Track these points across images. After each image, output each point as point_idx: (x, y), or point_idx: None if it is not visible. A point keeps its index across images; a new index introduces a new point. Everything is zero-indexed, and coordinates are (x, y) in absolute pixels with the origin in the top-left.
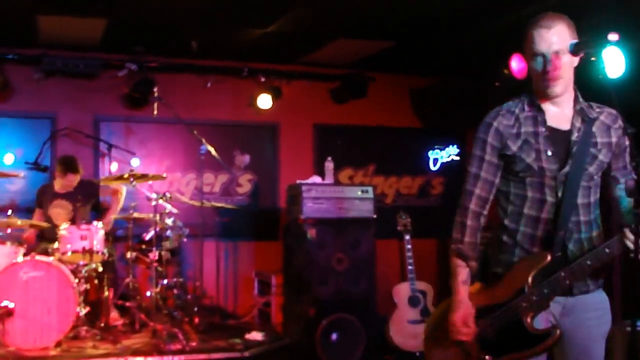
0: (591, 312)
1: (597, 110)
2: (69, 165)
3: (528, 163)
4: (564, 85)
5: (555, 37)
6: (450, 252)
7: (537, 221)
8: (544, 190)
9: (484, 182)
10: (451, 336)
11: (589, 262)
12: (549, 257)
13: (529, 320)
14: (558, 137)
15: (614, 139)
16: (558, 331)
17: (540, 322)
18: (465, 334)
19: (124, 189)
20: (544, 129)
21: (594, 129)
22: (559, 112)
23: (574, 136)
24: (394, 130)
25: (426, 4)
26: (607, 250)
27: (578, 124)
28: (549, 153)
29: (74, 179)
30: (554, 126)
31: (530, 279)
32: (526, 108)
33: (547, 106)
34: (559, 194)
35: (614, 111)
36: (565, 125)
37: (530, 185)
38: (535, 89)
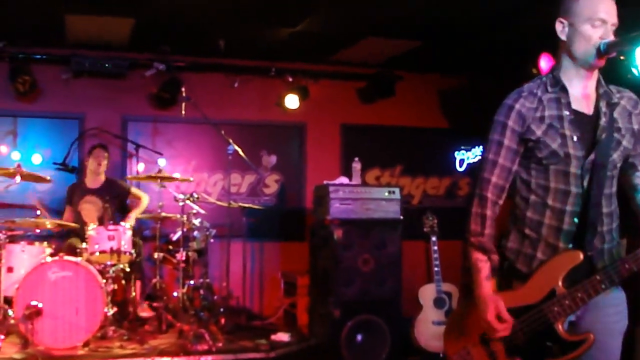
0: (610, 309)
1: (618, 94)
2: (95, 145)
3: (553, 149)
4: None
5: (615, 9)
6: (469, 245)
7: (562, 213)
8: (569, 180)
9: (501, 169)
10: (488, 335)
11: (627, 266)
12: (581, 256)
13: (561, 327)
14: (583, 122)
15: (635, 126)
16: (592, 337)
17: (566, 323)
18: (504, 329)
19: (146, 198)
20: (568, 113)
21: (615, 114)
22: (583, 94)
23: (602, 121)
24: (422, 131)
25: (454, 4)
26: None
27: (604, 108)
28: (575, 138)
29: (101, 155)
30: (578, 110)
31: (561, 281)
32: (549, 89)
33: (571, 86)
34: (585, 184)
35: (634, 96)
36: (589, 109)
37: (554, 174)
38: (578, 57)
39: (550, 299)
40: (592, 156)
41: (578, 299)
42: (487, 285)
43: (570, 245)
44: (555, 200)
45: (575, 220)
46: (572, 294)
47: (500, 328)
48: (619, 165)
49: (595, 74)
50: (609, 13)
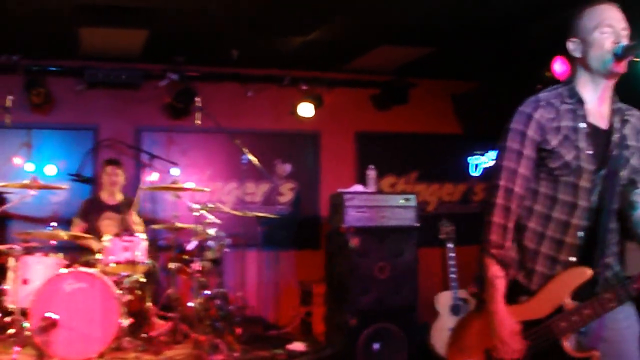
0: (619, 314)
1: (628, 112)
2: (108, 160)
3: (567, 161)
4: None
5: (620, 15)
6: (487, 256)
7: (566, 226)
8: (578, 193)
9: (523, 179)
10: (499, 355)
11: (636, 286)
12: (589, 273)
13: (567, 344)
14: (598, 136)
15: None
16: (597, 354)
17: (572, 339)
18: (517, 351)
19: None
20: (584, 125)
21: (626, 131)
22: (597, 108)
23: (615, 137)
24: (436, 137)
25: (467, 9)
26: None
27: (618, 124)
28: (589, 152)
29: (113, 172)
30: (593, 123)
31: (569, 297)
32: (566, 100)
33: (587, 98)
34: (593, 199)
35: None
36: (603, 123)
37: (564, 186)
38: (595, 66)
39: (557, 315)
40: (604, 171)
41: (586, 316)
42: (502, 304)
43: (572, 259)
44: (562, 213)
45: (580, 234)
46: (579, 311)
47: (513, 349)
48: (623, 182)
49: (611, 86)
50: (614, 19)
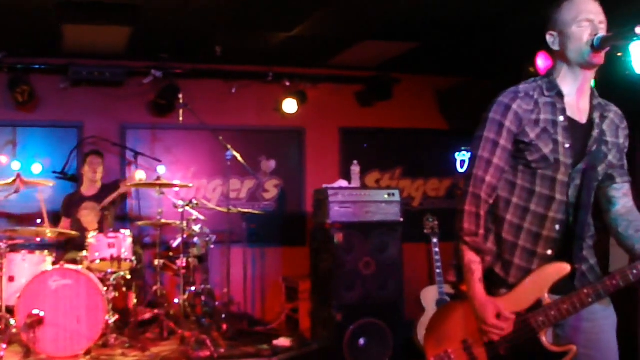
0: (596, 306)
1: (607, 107)
2: (88, 152)
3: (545, 154)
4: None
5: (598, 7)
6: (462, 244)
7: (543, 219)
8: (555, 186)
9: (496, 169)
10: (489, 337)
11: (614, 282)
12: (568, 269)
13: (544, 338)
14: (576, 130)
15: (621, 140)
16: (574, 349)
17: (549, 333)
18: (505, 329)
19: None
20: (563, 119)
21: (604, 126)
22: (576, 103)
23: (595, 132)
24: (421, 132)
25: (451, 4)
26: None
27: (597, 120)
28: (567, 146)
29: (96, 162)
30: (572, 117)
31: (547, 292)
32: (545, 93)
33: (567, 92)
34: (570, 192)
35: (619, 111)
36: (582, 118)
37: (541, 178)
38: (573, 58)
39: (535, 309)
40: (581, 165)
41: (564, 310)
42: (481, 287)
43: (550, 252)
44: (539, 206)
45: (557, 227)
46: (558, 305)
47: (504, 326)
48: (601, 177)
49: (591, 76)
50: (592, 12)
